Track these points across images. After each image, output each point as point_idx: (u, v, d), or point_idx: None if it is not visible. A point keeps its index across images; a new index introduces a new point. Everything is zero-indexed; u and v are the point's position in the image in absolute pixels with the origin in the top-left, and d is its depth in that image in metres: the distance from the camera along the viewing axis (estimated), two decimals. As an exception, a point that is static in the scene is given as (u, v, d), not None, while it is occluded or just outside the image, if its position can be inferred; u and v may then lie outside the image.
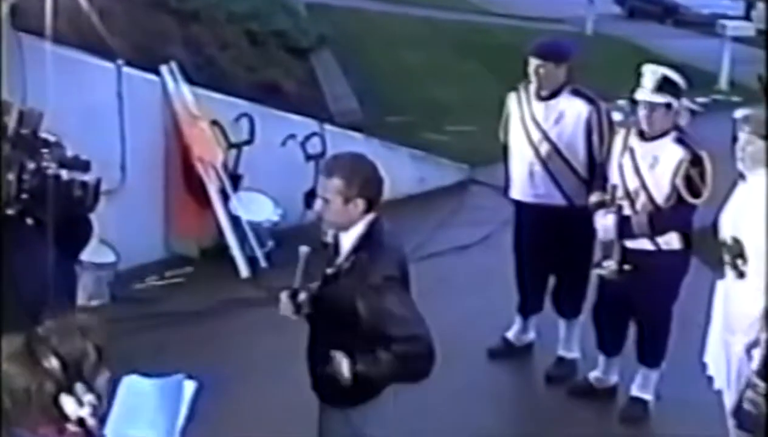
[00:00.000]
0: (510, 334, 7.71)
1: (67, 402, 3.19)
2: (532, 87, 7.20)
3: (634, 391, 7.04)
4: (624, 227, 6.65)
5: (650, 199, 6.60)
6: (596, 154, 7.09)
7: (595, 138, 7.08)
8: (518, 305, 7.65)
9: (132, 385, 3.66)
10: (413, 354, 4.65)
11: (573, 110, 7.12)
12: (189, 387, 3.67)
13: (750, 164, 5.84)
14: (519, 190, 7.33)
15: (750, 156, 5.82)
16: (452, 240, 9.29)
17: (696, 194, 6.49)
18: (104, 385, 3.34)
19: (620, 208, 6.68)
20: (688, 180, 6.49)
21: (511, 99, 7.35)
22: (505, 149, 7.45)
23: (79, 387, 3.21)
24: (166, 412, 3.59)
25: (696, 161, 6.49)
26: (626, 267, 6.72)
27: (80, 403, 3.20)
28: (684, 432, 6.76)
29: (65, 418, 3.19)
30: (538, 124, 7.15)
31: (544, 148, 7.14)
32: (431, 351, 4.75)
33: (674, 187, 6.51)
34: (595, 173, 7.04)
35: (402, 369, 4.64)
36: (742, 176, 5.93)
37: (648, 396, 7.02)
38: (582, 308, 7.40)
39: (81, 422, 3.21)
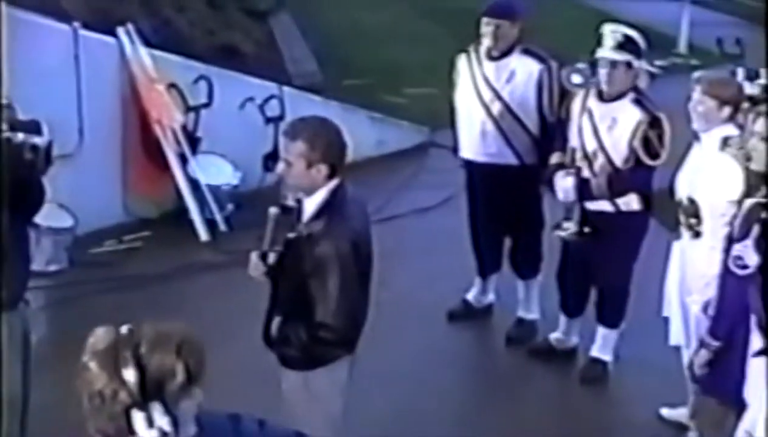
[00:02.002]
0: (470, 296, 7.74)
1: (137, 419, 2.84)
2: (483, 47, 7.20)
3: (594, 352, 7.09)
4: (583, 189, 6.68)
5: (609, 160, 6.62)
6: (547, 113, 7.13)
7: (545, 97, 7.11)
8: (476, 266, 7.67)
9: None
10: (322, 340, 4.67)
11: (524, 69, 7.13)
12: None
13: (703, 124, 5.90)
14: (471, 150, 7.33)
15: (702, 116, 5.88)
16: (412, 202, 9.30)
17: (654, 156, 6.52)
18: (189, 411, 2.95)
19: (579, 169, 6.71)
20: (647, 141, 6.52)
21: (461, 60, 7.35)
22: (454, 110, 7.45)
23: (156, 406, 2.85)
24: None
25: (654, 123, 6.52)
26: (586, 229, 6.76)
27: (151, 424, 2.84)
28: (643, 391, 6.82)
29: (133, 434, 2.85)
30: (490, 83, 7.15)
31: (496, 108, 7.15)
32: (343, 342, 4.80)
33: (632, 149, 6.54)
34: (548, 132, 7.07)
35: (310, 350, 4.67)
36: (696, 136, 5.99)
37: (607, 357, 7.07)
38: (539, 268, 7.45)
39: None
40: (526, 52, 7.16)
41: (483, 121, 7.20)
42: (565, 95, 6.99)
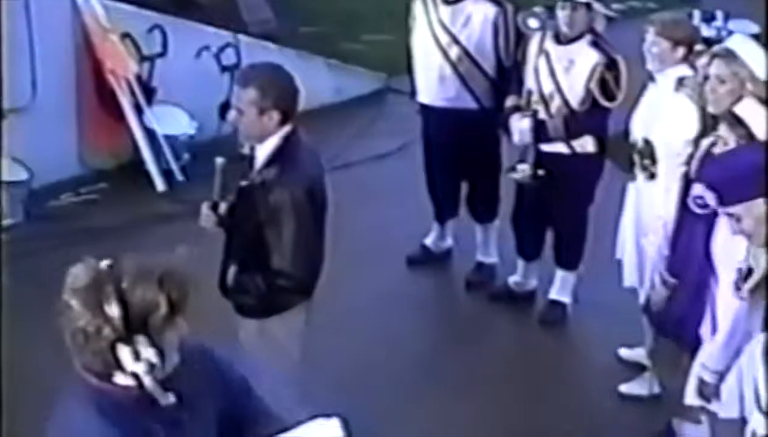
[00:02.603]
0: (428, 241, 7.75)
1: (123, 353, 2.83)
2: None
3: (553, 294, 7.14)
4: (539, 131, 6.69)
5: (565, 102, 6.63)
6: (503, 55, 7.11)
7: (501, 40, 7.09)
8: (434, 211, 7.67)
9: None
10: (279, 288, 4.67)
11: (480, 12, 7.10)
12: None
13: (657, 65, 5.91)
14: (429, 95, 7.31)
15: (656, 56, 5.89)
16: (370, 149, 9.26)
17: (610, 98, 6.53)
18: (172, 343, 2.94)
19: (535, 112, 6.71)
20: (603, 83, 6.53)
21: (417, 5, 7.31)
22: (410, 55, 7.42)
23: (140, 339, 2.83)
24: None
25: (611, 65, 6.53)
26: (540, 171, 6.77)
27: (137, 357, 2.84)
28: (601, 333, 6.88)
29: (121, 368, 2.85)
30: (447, 28, 7.12)
31: (454, 52, 7.12)
32: (300, 289, 4.82)
33: (589, 91, 6.54)
34: (505, 75, 7.06)
35: (266, 298, 4.67)
36: (651, 78, 6.00)
37: (566, 299, 7.12)
38: (497, 212, 7.46)
39: (136, 377, 2.86)
40: None
41: (441, 66, 7.18)
42: (521, 38, 6.99)
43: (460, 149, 7.29)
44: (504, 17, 7.08)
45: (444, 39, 7.14)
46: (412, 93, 7.53)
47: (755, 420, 4.01)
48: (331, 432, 3.07)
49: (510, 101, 6.87)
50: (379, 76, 10.51)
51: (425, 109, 7.44)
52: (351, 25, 11.87)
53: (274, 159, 4.67)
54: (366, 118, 9.87)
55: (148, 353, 2.85)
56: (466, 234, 7.60)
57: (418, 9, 7.32)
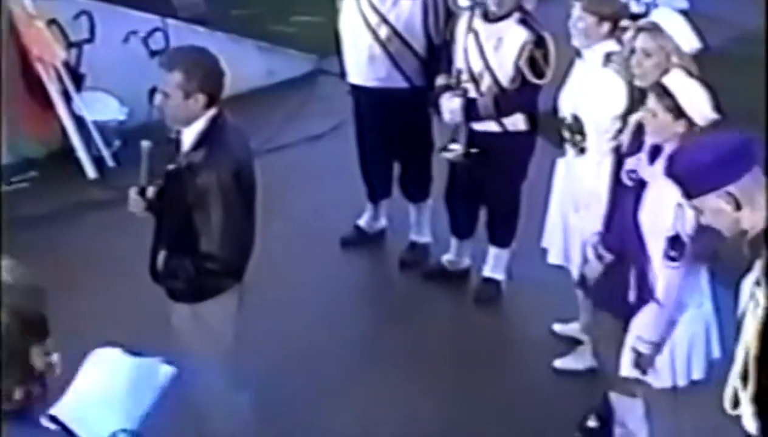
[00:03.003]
0: (362, 222, 7.74)
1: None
2: None
3: (487, 272, 7.15)
4: (470, 110, 6.70)
5: (495, 80, 6.64)
6: (433, 34, 7.10)
7: (431, 18, 7.09)
8: (367, 192, 7.67)
9: (104, 357, 3.09)
10: (208, 271, 4.65)
11: None
12: (164, 371, 3.17)
13: (584, 40, 5.94)
14: (360, 75, 7.29)
15: (582, 32, 5.92)
16: (303, 131, 9.23)
17: (540, 75, 6.55)
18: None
19: (465, 90, 6.71)
20: (532, 61, 6.54)
21: None
22: (339, 36, 7.38)
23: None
24: (136, 394, 3.04)
25: (539, 42, 6.54)
26: (473, 150, 6.78)
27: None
28: (536, 309, 6.92)
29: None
30: (375, 7, 7.10)
31: (383, 31, 7.10)
32: (230, 272, 4.80)
33: (518, 69, 6.56)
34: (435, 54, 7.05)
35: (197, 281, 4.66)
36: (578, 54, 6.02)
37: (500, 276, 7.14)
38: (429, 191, 7.46)
39: None
40: None
41: (370, 46, 7.15)
42: (451, 16, 7.00)
43: (392, 129, 7.29)
44: None
45: (373, 19, 7.12)
46: (342, 74, 7.50)
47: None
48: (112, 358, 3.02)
49: (440, 80, 6.86)
50: (310, 58, 10.46)
51: (356, 89, 7.42)
52: (281, 6, 11.82)
53: (200, 142, 4.65)
54: (298, 99, 9.83)
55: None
56: (399, 213, 7.60)
57: None
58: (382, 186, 7.61)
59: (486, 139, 6.75)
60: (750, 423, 3.77)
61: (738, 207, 3.71)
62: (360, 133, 7.54)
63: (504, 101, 6.64)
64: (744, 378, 3.70)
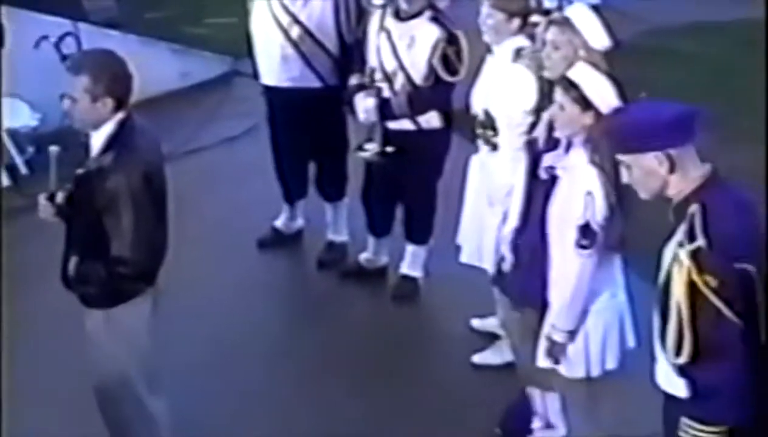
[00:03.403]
0: (279, 223, 7.73)
1: None
2: None
3: (404, 269, 7.18)
4: (384, 108, 6.71)
5: (408, 79, 6.65)
6: (345, 32, 7.12)
7: (342, 17, 7.10)
8: (282, 193, 7.65)
9: None
10: (120, 275, 4.62)
11: None
12: None
13: (494, 36, 5.98)
14: (273, 76, 7.27)
15: (492, 28, 5.96)
16: (218, 133, 9.21)
17: (453, 72, 6.58)
18: None
19: (380, 89, 6.72)
20: (445, 58, 6.57)
21: None
22: (250, 37, 7.37)
23: None
24: None
25: (452, 40, 6.57)
26: (388, 148, 6.80)
27: None
28: (453, 305, 6.95)
29: None
30: (286, 7, 7.09)
31: (295, 31, 7.09)
32: (142, 276, 4.75)
33: (431, 67, 6.58)
34: (348, 53, 7.06)
35: (109, 286, 4.63)
36: (489, 50, 6.06)
37: (417, 273, 7.17)
38: (345, 190, 7.48)
39: None
40: None
41: (283, 46, 7.14)
42: (363, 15, 7.00)
43: (306, 129, 7.28)
44: None
45: (284, 19, 7.10)
46: (255, 75, 7.48)
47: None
48: None
49: (353, 80, 6.87)
50: (224, 60, 10.43)
51: (269, 90, 7.40)
52: (195, 8, 11.79)
53: (109, 145, 4.62)
54: (213, 101, 9.80)
55: None
56: (316, 212, 7.60)
57: None
58: (297, 186, 7.60)
59: (401, 137, 6.77)
60: (680, 386, 3.97)
61: (671, 170, 3.89)
62: (274, 134, 7.53)
63: (418, 99, 6.66)
64: (679, 333, 3.87)
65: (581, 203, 4.81)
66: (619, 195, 4.80)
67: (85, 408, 5.20)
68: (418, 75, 6.63)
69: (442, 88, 6.64)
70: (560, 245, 4.98)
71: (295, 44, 7.11)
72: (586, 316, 5.03)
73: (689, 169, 3.92)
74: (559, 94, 4.94)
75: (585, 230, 4.83)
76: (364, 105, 6.73)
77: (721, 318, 3.80)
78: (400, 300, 7.11)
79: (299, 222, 7.76)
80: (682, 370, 3.95)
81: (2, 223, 7.54)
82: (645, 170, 3.95)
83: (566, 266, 4.96)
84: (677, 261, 3.83)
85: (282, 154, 7.52)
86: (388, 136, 6.81)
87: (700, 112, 3.98)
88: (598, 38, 5.28)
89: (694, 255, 3.77)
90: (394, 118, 6.73)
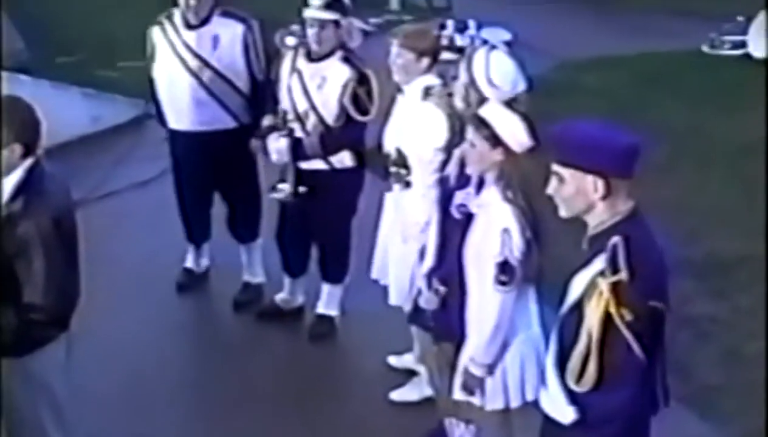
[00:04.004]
0: (189, 264, 7.72)
1: None
2: (179, 17, 7.14)
3: (320, 309, 7.18)
4: (297, 149, 6.73)
5: (320, 119, 6.68)
6: (256, 70, 7.16)
7: (252, 56, 7.14)
8: (186, 235, 7.64)
9: None
10: (32, 321, 4.59)
11: (227, 32, 7.12)
12: None
13: (404, 76, 6.04)
14: (183, 120, 7.24)
15: (402, 68, 6.02)
16: (131, 176, 9.17)
17: (364, 112, 6.62)
18: None
19: (292, 130, 6.75)
20: (356, 98, 6.61)
21: (155, 32, 7.21)
22: (153, 83, 7.34)
23: None
24: None
25: (362, 80, 6.62)
26: (301, 189, 6.82)
27: None
28: (370, 342, 6.97)
29: None
30: (195, 52, 7.09)
31: (206, 75, 7.10)
32: (55, 321, 4.72)
33: (343, 106, 6.62)
34: (259, 91, 7.09)
35: (21, 333, 4.59)
36: (399, 89, 6.12)
37: (334, 312, 7.18)
38: (258, 231, 7.49)
39: None
40: (226, 14, 7.17)
41: (194, 90, 7.13)
42: (273, 56, 7.03)
43: (217, 171, 7.29)
44: (251, 32, 7.14)
45: (193, 63, 7.10)
46: (160, 120, 7.46)
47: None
48: None
49: (266, 121, 6.89)
50: (136, 103, 10.40)
51: (176, 134, 7.36)
52: (106, 52, 11.74)
53: (18, 192, 4.57)
54: (125, 145, 9.77)
55: None
56: (231, 253, 7.59)
57: (157, 36, 7.22)
58: (202, 228, 7.60)
59: (314, 177, 6.79)
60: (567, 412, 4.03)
61: (603, 197, 3.94)
62: (180, 178, 7.49)
63: (330, 139, 6.69)
64: (585, 361, 3.93)
65: (498, 240, 4.84)
66: (535, 228, 4.86)
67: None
68: (330, 115, 6.66)
69: (354, 127, 6.67)
70: (478, 281, 5.00)
71: (206, 87, 7.11)
72: (506, 350, 5.06)
73: (618, 201, 3.96)
74: (470, 132, 4.99)
75: (503, 266, 4.86)
76: (277, 146, 6.75)
77: (628, 350, 3.86)
78: (317, 340, 7.11)
79: (206, 261, 7.75)
80: (573, 397, 4.01)
81: None
82: (578, 189, 3.96)
83: (485, 301, 4.98)
84: (596, 290, 3.87)
85: (187, 198, 7.49)
86: (301, 177, 6.82)
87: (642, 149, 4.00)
88: (500, 76, 5.35)
89: (615, 287, 3.81)
90: (307, 158, 6.75)
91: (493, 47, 5.55)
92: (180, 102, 7.19)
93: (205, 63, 7.09)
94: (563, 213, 4.07)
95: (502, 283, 4.89)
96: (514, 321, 5.01)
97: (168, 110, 7.30)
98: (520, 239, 4.84)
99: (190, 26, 7.10)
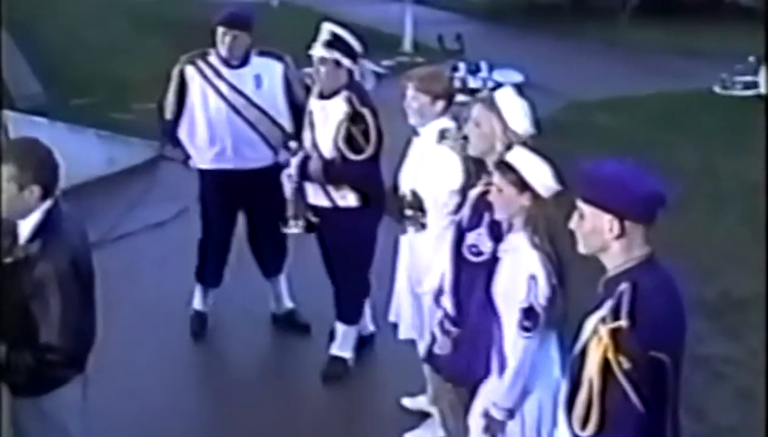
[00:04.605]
0: (198, 306, 7.70)
1: None
2: (216, 57, 7.19)
3: (334, 350, 7.17)
4: (303, 167, 6.78)
5: (319, 154, 6.74)
6: (297, 106, 7.19)
7: (296, 88, 7.22)
8: (200, 275, 7.63)
9: None
10: (49, 363, 4.61)
11: (268, 71, 7.21)
12: None
13: (418, 119, 6.07)
14: (225, 159, 7.27)
15: (417, 111, 6.05)
16: (146, 218, 9.21)
17: (358, 151, 6.64)
18: None
19: (306, 156, 6.81)
20: (350, 137, 6.64)
21: (189, 71, 7.21)
22: (180, 124, 7.30)
23: None
24: None
25: (358, 118, 6.63)
26: (313, 219, 6.88)
27: None
28: (384, 384, 6.99)
29: None
30: (239, 90, 7.16)
31: (252, 113, 7.17)
32: (71, 363, 4.74)
33: (337, 144, 6.65)
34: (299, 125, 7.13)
35: (38, 374, 4.61)
36: (415, 132, 6.15)
37: (347, 354, 7.16)
38: (284, 265, 7.62)
39: None
40: (263, 54, 7.25)
41: (240, 128, 7.19)
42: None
43: (251, 208, 7.38)
44: (290, 71, 7.25)
45: (238, 102, 7.16)
46: (186, 161, 7.44)
47: None
48: None
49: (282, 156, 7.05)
50: (152, 145, 10.47)
51: (209, 173, 7.34)
52: (121, 94, 11.83)
53: (36, 233, 4.60)
54: (140, 187, 9.82)
55: None
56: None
57: (191, 76, 7.21)
58: (218, 270, 7.58)
59: (320, 214, 6.86)
60: None
61: (617, 238, 3.91)
62: (205, 216, 7.50)
63: (332, 169, 6.71)
64: (588, 406, 3.89)
65: (524, 286, 4.81)
66: (560, 275, 4.84)
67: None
68: (327, 151, 6.71)
69: (353, 165, 6.67)
70: (503, 325, 5.00)
71: (252, 125, 7.19)
72: (528, 394, 5.04)
73: (634, 246, 3.94)
74: (496, 177, 4.97)
75: (528, 312, 4.83)
76: (287, 171, 6.85)
77: (626, 399, 3.81)
78: (331, 381, 7.09)
79: (212, 299, 7.73)
80: None
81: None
82: (594, 227, 3.95)
83: (508, 345, 4.99)
84: (597, 335, 3.85)
85: (210, 237, 7.51)
86: (315, 212, 6.89)
87: (669, 198, 3.97)
88: (520, 123, 5.36)
89: (614, 333, 3.78)
90: (310, 179, 6.77)
91: (506, 91, 5.58)
92: (222, 141, 7.23)
93: (250, 101, 7.17)
94: (581, 249, 4.06)
95: (526, 329, 4.87)
96: (536, 367, 4.99)
97: (204, 149, 7.29)
98: (546, 285, 4.80)
99: (231, 66, 7.17)
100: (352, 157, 6.63)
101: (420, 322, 6.20)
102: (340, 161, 6.67)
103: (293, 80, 7.23)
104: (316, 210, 6.87)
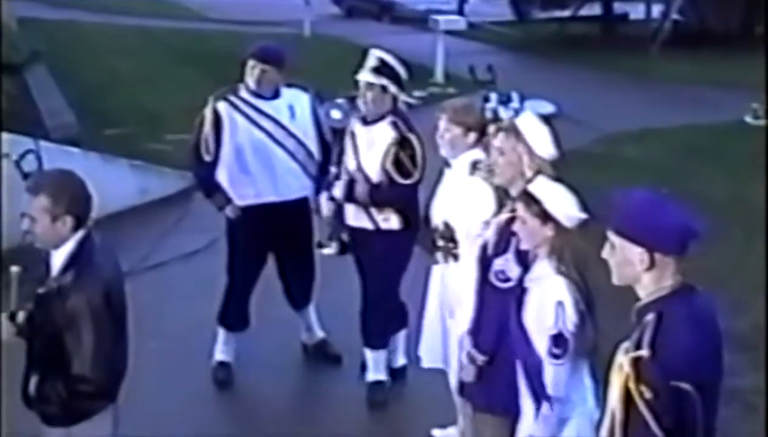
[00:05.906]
0: (220, 356, 7.55)
1: None
2: (246, 91, 7.23)
3: (371, 376, 7.15)
4: (350, 189, 6.86)
5: (366, 178, 6.81)
6: (325, 134, 7.30)
7: (322, 118, 7.26)
8: (224, 319, 7.53)
9: None
10: (81, 393, 4.64)
11: (298, 102, 7.31)
12: None
13: (450, 151, 6.09)
14: (271, 192, 7.28)
15: (449, 143, 6.08)
16: (178, 248, 9.26)
17: (406, 175, 6.71)
18: None
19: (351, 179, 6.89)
20: (398, 161, 6.71)
21: (222, 107, 7.19)
22: (217, 161, 7.24)
23: None
24: None
25: (405, 143, 6.74)
26: (345, 238, 6.98)
27: None
28: (414, 415, 6.98)
29: None
30: (278, 121, 7.23)
31: (291, 143, 7.25)
32: (103, 394, 4.76)
33: (385, 168, 6.74)
34: (329, 155, 7.23)
35: (69, 404, 4.64)
36: (447, 163, 6.17)
37: (383, 376, 7.17)
38: (312, 295, 7.64)
39: None
40: (289, 85, 7.34)
41: (282, 159, 7.25)
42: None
43: (286, 240, 7.41)
44: (315, 99, 7.34)
45: (278, 133, 7.23)
46: (223, 207, 7.36)
47: None
48: None
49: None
50: (184, 175, 10.52)
51: (250, 210, 7.29)
52: (154, 125, 11.91)
53: (69, 264, 4.63)
54: (173, 217, 9.87)
55: None
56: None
57: (225, 111, 7.19)
58: (243, 311, 7.51)
59: (359, 236, 6.92)
60: None
61: (648, 269, 3.89)
62: (233, 254, 7.48)
63: (378, 192, 6.79)
64: (611, 434, 3.87)
65: (552, 313, 4.80)
66: (588, 302, 4.83)
67: None
68: (375, 175, 6.79)
69: (399, 188, 6.77)
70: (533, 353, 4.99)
71: (293, 155, 7.27)
72: (564, 424, 5.01)
73: (665, 276, 3.91)
74: (520, 209, 4.96)
75: (557, 339, 4.82)
76: (328, 203, 6.95)
77: (648, 430, 3.76)
78: (376, 406, 7.08)
79: (234, 348, 7.59)
80: None
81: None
82: (625, 259, 3.93)
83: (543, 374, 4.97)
84: (619, 364, 3.83)
85: (238, 274, 7.47)
86: (350, 234, 6.98)
87: (702, 231, 3.94)
88: (545, 147, 5.35)
89: (635, 362, 3.75)
90: (357, 201, 6.85)
91: (529, 117, 5.59)
92: (266, 173, 7.27)
93: (287, 131, 7.24)
94: (614, 279, 4.03)
95: (556, 356, 4.86)
96: (569, 396, 4.97)
97: (247, 185, 7.28)
98: (573, 312, 4.79)
99: (264, 97, 7.23)
100: (400, 180, 6.69)
101: (445, 351, 6.22)
102: (386, 184, 6.75)
103: (319, 110, 7.29)
104: (356, 231, 6.94)
